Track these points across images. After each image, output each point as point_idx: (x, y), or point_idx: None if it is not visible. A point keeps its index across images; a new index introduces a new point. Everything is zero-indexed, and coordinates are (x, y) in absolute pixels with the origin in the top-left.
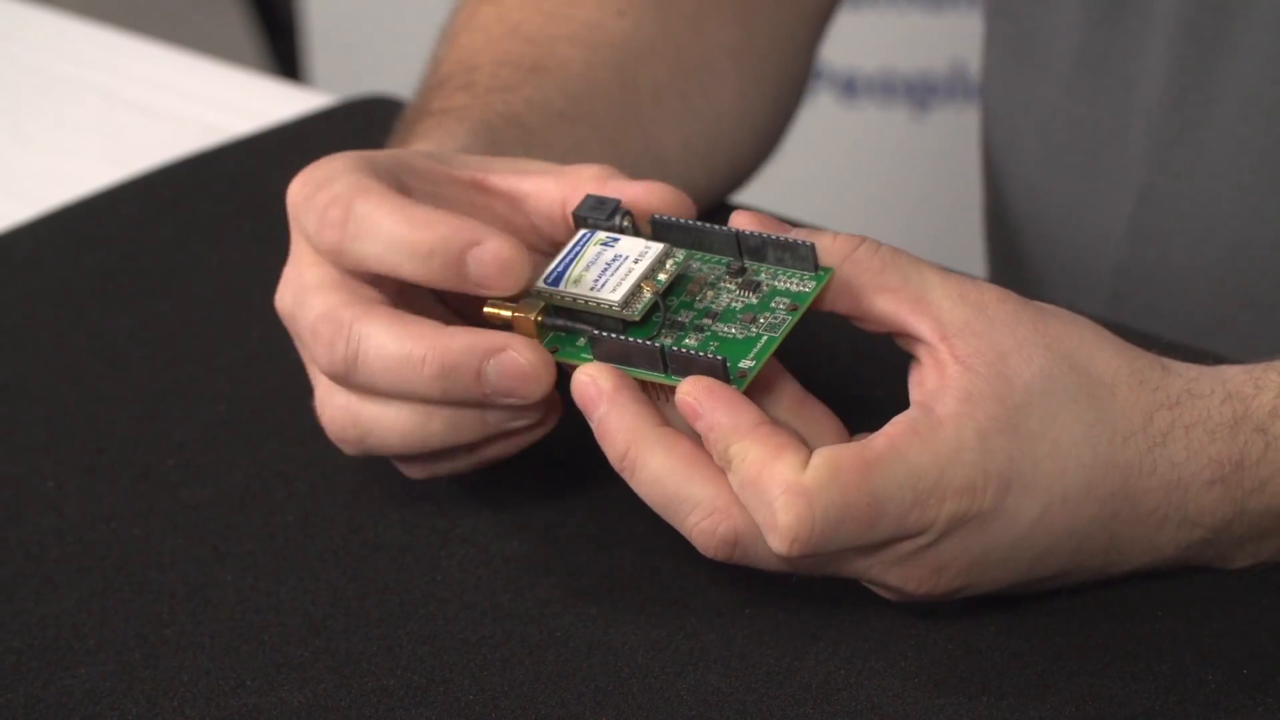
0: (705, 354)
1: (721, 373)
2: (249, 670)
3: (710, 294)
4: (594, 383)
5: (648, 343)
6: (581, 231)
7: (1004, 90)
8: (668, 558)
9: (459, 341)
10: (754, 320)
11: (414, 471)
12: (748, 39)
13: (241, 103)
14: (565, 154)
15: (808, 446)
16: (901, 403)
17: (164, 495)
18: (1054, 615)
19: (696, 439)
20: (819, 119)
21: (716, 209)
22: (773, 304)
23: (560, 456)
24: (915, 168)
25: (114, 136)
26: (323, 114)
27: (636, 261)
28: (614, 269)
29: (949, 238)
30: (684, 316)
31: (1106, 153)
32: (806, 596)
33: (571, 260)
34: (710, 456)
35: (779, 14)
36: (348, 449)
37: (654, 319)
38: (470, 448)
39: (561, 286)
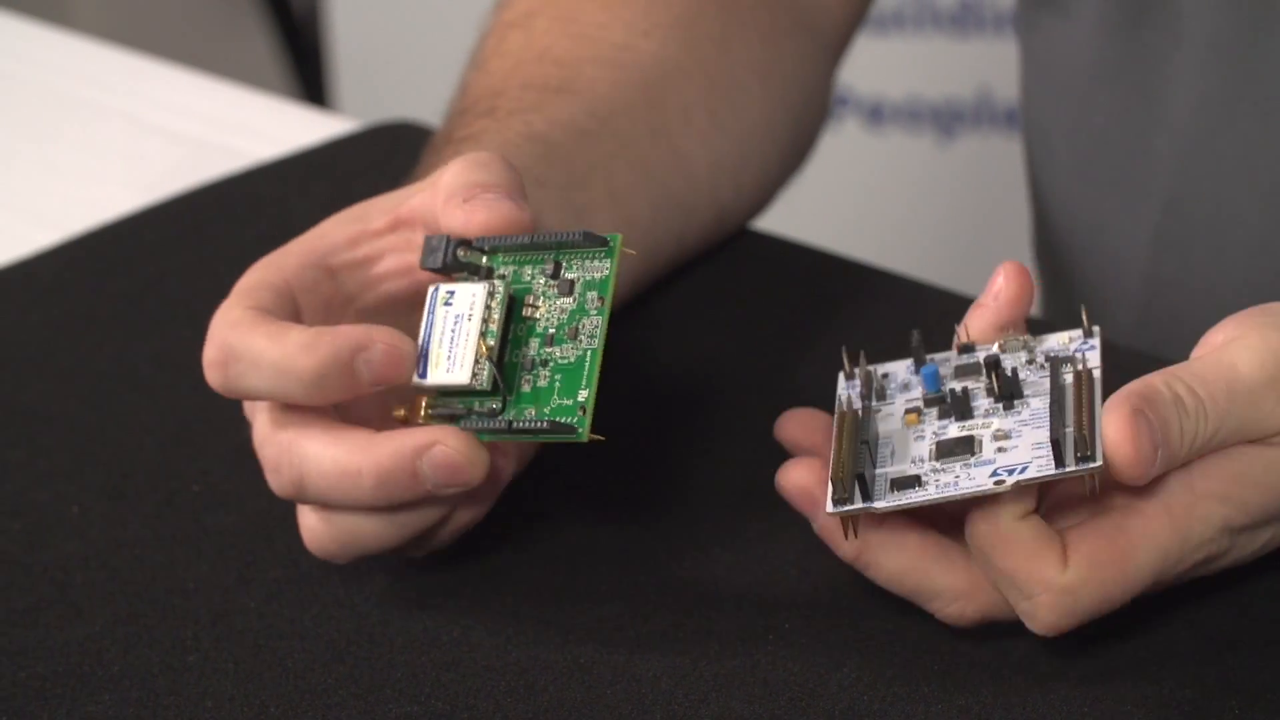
0: (543, 422)
1: (568, 432)
2: (272, 697)
3: (542, 306)
4: (807, 493)
5: (500, 420)
6: (429, 292)
7: (1038, 105)
8: (691, 584)
9: (388, 448)
10: (576, 333)
11: (411, 552)
12: (773, 60)
13: (267, 128)
14: (590, 169)
15: (1058, 536)
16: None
17: (188, 521)
18: (1078, 640)
19: (919, 526)
20: (846, 146)
21: (739, 234)
22: (586, 303)
23: (583, 483)
24: (942, 194)
25: (139, 162)
26: (348, 139)
27: (470, 318)
28: (457, 335)
29: (975, 265)
30: (531, 348)
31: (1132, 164)
32: (830, 623)
33: (429, 338)
34: (940, 542)
35: (802, 39)
36: (337, 560)
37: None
38: (447, 519)
39: (427, 378)
